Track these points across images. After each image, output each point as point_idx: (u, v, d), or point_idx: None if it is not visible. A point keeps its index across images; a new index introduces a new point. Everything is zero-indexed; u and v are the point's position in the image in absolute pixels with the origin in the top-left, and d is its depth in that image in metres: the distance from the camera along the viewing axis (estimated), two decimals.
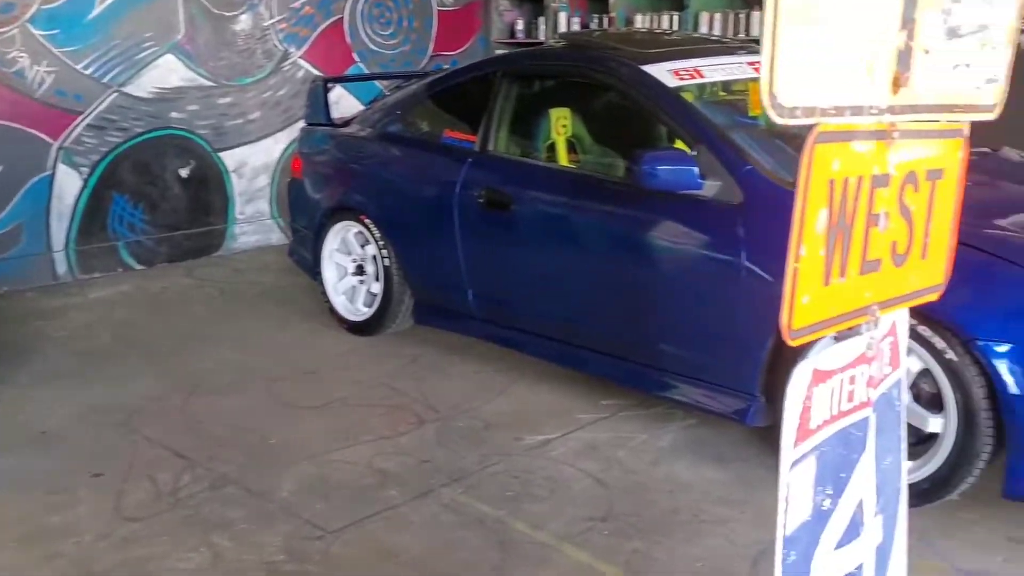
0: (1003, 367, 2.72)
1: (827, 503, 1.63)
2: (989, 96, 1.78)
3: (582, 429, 3.65)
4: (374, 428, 3.65)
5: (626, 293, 3.59)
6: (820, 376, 1.54)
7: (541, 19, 7.65)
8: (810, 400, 1.52)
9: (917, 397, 2.94)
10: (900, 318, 1.86)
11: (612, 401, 3.86)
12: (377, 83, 6.52)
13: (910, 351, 2.89)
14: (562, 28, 7.35)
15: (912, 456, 2.96)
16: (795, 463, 1.50)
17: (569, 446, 3.52)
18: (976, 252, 2.87)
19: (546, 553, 2.80)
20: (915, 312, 2.82)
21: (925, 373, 2.90)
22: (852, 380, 1.63)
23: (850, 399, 1.63)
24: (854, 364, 1.63)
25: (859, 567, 1.75)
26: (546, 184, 3.93)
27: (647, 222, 3.49)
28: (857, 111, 1.48)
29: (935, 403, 2.90)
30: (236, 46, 6.41)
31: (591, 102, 4.27)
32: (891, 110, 1.55)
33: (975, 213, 3.18)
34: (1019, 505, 2.92)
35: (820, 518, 1.62)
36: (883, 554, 1.86)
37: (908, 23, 1.54)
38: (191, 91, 6.25)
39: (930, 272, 1.81)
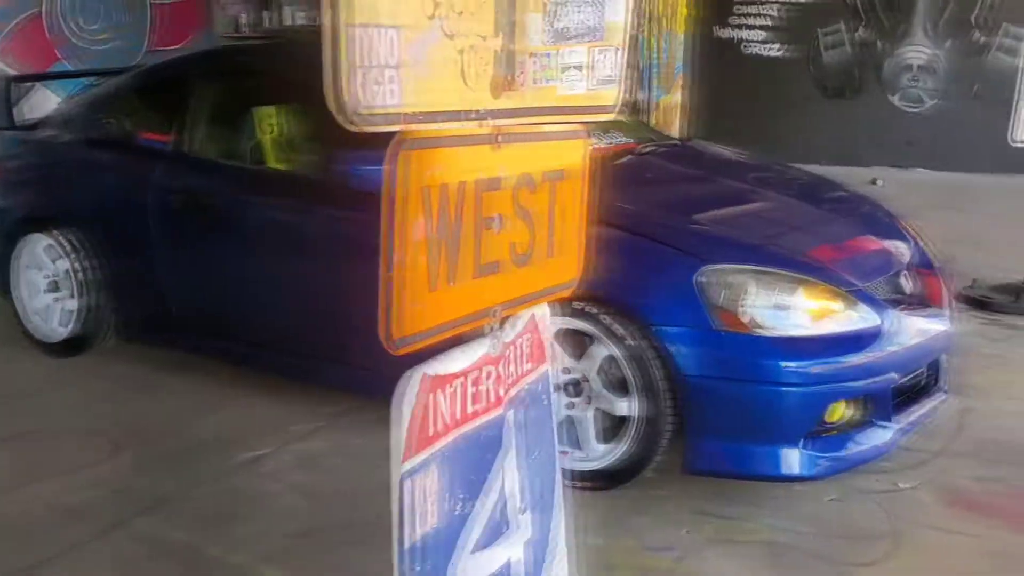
0: (676, 349, 2.87)
1: (461, 507, 1.62)
2: (606, 97, 1.84)
3: (299, 441, 3.54)
4: (64, 460, 3.36)
5: (333, 296, 3.50)
6: (437, 382, 1.52)
7: (267, 13, 7.41)
8: (427, 407, 1.50)
9: (608, 383, 3.06)
10: (540, 314, 1.89)
11: (331, 408, 3.76)
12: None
13: (596, 339, 3.00)
14: (288, 22, 7.15)
15: (606, 439, 3.09)
16: (413, 473, 1.48)
17: (283, 460, 3.40)
18: (651, 242, 3.02)
19: None
20: (598, 301, 2.98)
21: (612, 359, 3.01)
22: (478, 382, 1.63)
23: (477, 400, 1.63)
24: (479, 366, 1.63)
25: (506, 565, 1.77)
26: (244, 186, 3.76)
27: (348, 222, 3.41)
28: (453, 116, 1.47)
29: (624, 387, 3.02)
30: None
31: (297, 101, 4.13)
32: (495, 114, 1.56)
33: (656, 204, 3.40)
34: (707, 478, 3.11)
35: (455, 523, 1.61)
36: (538, 548, 1.89)
37: (506, 26, 1.56)
38: None
39: (561, 269, 1.85)
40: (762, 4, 10.18)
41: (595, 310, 2.96)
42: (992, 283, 5.25)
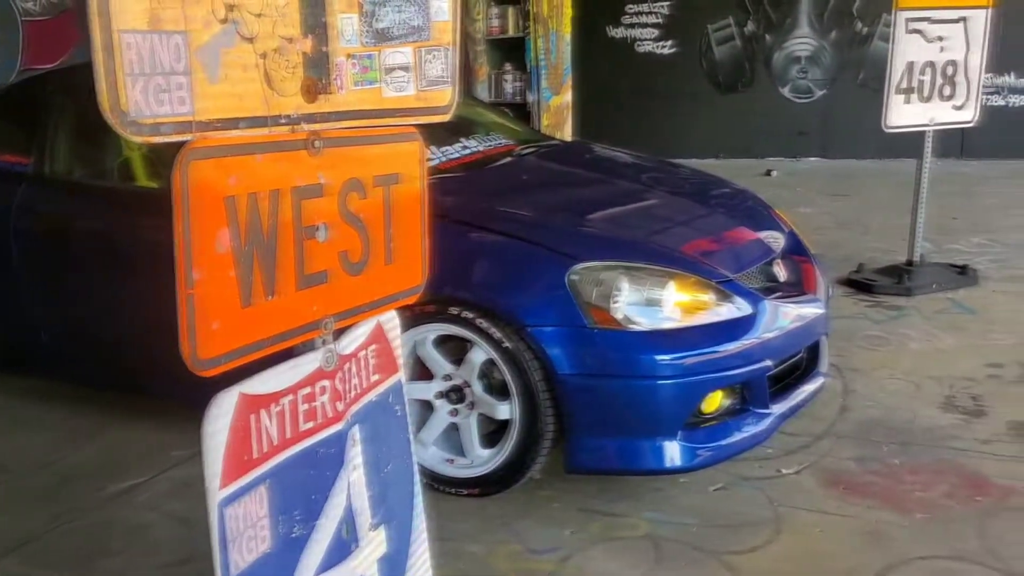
0: (552, 350, 2.84)
1: (299, 529, 1.56)
2: (439, 98, 1.80)
3: (176, 467, 3.41)
4: None
5: None
6: (258, 401, 1.46)
7: None
8: (246, 428, 1.43)
9: (488, 387, 3.02)
10: (388, 324, 1.84)
11: None
12: None
13: (473, 344, 2.96)
14: None
15: (490, 444, 3.06)
16: (234, 499, 1.41)
17: (158, 488, 3.27)
18: (523, 243, 3.00)
19: None
20: (473, 305, 2.94)
21: (491, 363, 2.98)
22: (311, 398, 1.57)
23: (311, 417, 1.57)
24: (310, 381, 1.57)
25: None
26: (113, 206, 3.61)
27: None
28: (258, 122, 1.41)
29: (505, 391, 2.98)
30: None
31: None
32: (310, 118, 1.51)
33: (530, 205, 3.37)
34: (594, 476, 3.10)
35: (291, 546, 1.55)
36: (393, 563, 1.84)
37: (316, 28, 1.50)
38: None
39: (402, 276, 1.80)
40: (653, 2, 10.32)
41: (471, 315, 2.92)
42: (876, 267, 5.39)
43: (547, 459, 3.01)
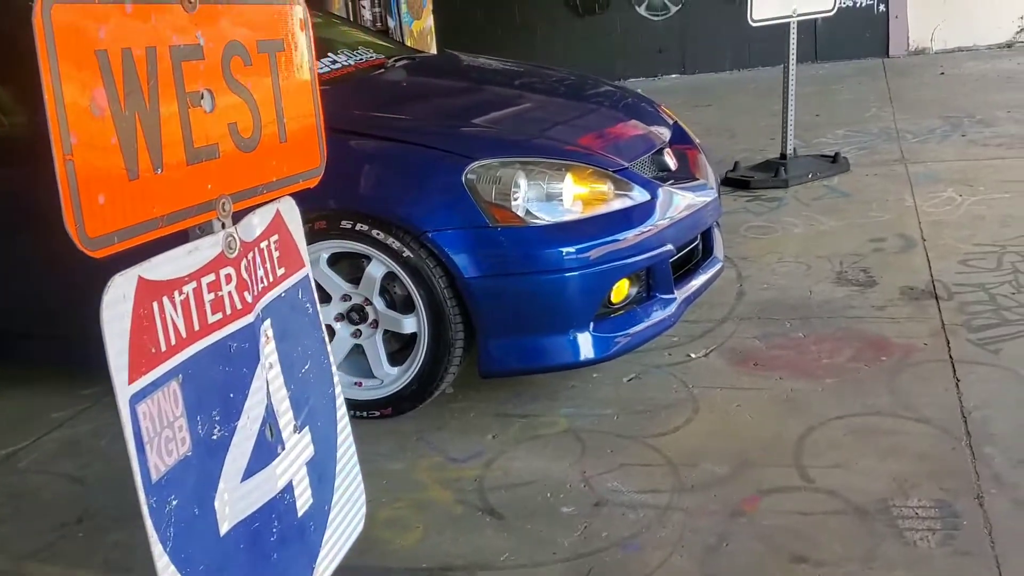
0: (456, 254, 2.73)
1: (219, 431, 1.42)
2: None
3: (59, 428, 3.16)
4: None
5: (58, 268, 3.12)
6: (160, 287, 1.30)
7: None
8: (151, 318, 1.27)
9: (391, 302, 2.90)
10: (288, 212, 1.69)
11: (94, 389, 3.39)
12: None
13: (370, 259, 2.82)
14: None
15: (399, 361, 2.94)
16: (146, 394, 1.26)
17: (42, 451, 3.02)
18: (414, 147, 2.86)
19: None
20: (368, 217, 2.80)
21: (392, 276, 2.85)
22: (215, 286, 1.42)
23: (218, 308, 1.42)
24: (213, 268, 1.42)
25: (287, 488, 1.58)
26: None
27: None
28: None
29: (409, 304, 2.86)
30: None
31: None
32: None
33: (415, 111, 3.23)
34: (504, 383, 3.04)
35: (213, 449, 1.40)
36: (321, 468, 1.72)
37: None
38: None
39: (299, 156, 1.65)
40: None
41: (366, 227, 2.78)
42: (751, 164, 5.48)
43: (458, 370, 2.92)
